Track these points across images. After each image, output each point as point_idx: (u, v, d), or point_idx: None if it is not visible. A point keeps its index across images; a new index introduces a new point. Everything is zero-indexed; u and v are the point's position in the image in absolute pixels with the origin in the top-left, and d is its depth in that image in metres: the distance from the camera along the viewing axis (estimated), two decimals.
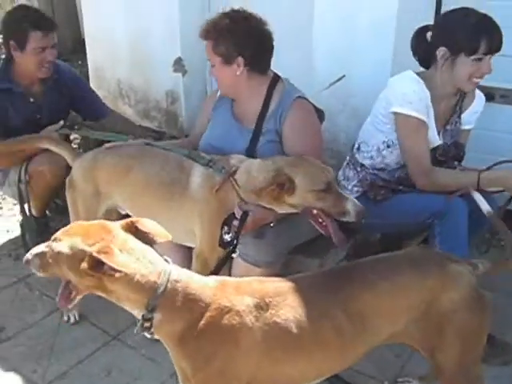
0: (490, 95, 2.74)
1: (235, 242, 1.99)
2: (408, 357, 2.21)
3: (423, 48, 2.24)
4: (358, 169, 2.38)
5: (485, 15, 2.09)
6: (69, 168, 2.42)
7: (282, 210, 2.00)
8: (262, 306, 1.45)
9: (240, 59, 2.12)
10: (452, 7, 2.20)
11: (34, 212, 2.82)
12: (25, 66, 2.69)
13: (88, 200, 2.27)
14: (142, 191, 2.20)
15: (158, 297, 1.36)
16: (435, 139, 2.25)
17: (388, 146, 2.29)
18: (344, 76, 2.80)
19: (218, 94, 2.37)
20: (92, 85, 4.04)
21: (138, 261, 1.36)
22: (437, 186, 2.20)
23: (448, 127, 2.30)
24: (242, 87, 2.20)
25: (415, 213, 2.24)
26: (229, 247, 2.01)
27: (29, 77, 2.75)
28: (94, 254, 1.28)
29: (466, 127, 2.36)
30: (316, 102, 2.31)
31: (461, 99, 2.31)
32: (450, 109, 2.29)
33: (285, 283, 1.55)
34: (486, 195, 2.12)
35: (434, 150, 2.27)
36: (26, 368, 2.21)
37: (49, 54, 2.65)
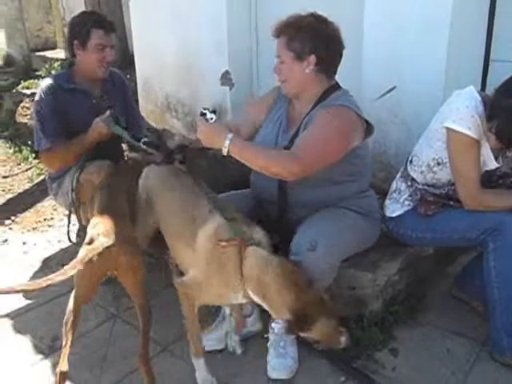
0: None
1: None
2: (464, 375, 2.15)
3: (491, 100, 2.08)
4: (409, 183, 2.34)
5: None
6: None
7: None
8: None
9: (312, 57, 2.12)
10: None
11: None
12: (86, 65, 2.79)
13: (143, 206, 2.40)
14: (171, 218, 2.23)
15: None
16: (491, 162, 2.17)
17: (438, 164, 2.24)
18: (395, 87, 2.76)
19: (279, 92, 2.35)
20: (140, 98, 4.15)
21: None
22: (486, 208, 2.14)
23: (509, 153, 2.18)
24: (306, 87, 2.19)
25: (466, 229, 2.19)
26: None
27: (90, 78, 2.85)
28: None
29: None
30: (366, 113, 2.28)
31: None
32: None
33: None
34: None
35: (490, 172, 2.20)
36: (79, 377, 2.24)
37: (108, 53, 2.78)
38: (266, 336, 2.29)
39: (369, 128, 2.21)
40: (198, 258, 2.01)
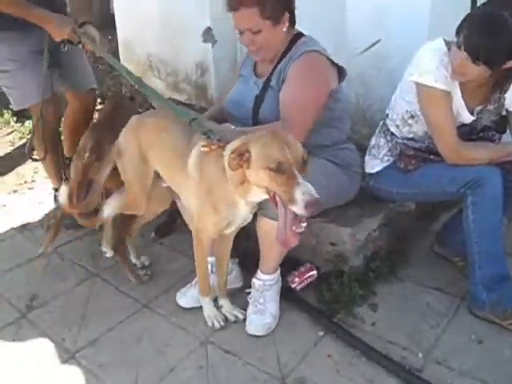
0: None
1: None
2: (442, 330, 2.15)
3: None
4: (388, 137, 2.30)
5: (488, 16, 1.89)
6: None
7: (252, 195, 1.87)
8: None
9: (286, 15, 2.10)
10: None
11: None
12: None
13: (136, 165, 2.24)
14: (167, 159, 2.16)
15: None
16: (466, 116, 2.13)
17: (412, 117, 2.19)
18: (379, 40, 2.68)
19: (244, 58, 2.35)
20: (122, 58, 4.03)
21: None
22: (467, 160, 2.10)
23: (490, 106, 2.13)
24: (282, 44, 2.16)
25: (447, 183, 2.15)
26: None
27: None
28: None
29: None
30: (350, 67, 2.23)
31: (502, 77, 2.06)
32: (487, 86, 2.10)
33: None
34: None
35: (471, 125, 2.16)
36: (57, 335, 2.23)
37: None
38: (247, 291, 2.28)
39: (340, 71, 2.18)
40: (194, 185, 2.00)
